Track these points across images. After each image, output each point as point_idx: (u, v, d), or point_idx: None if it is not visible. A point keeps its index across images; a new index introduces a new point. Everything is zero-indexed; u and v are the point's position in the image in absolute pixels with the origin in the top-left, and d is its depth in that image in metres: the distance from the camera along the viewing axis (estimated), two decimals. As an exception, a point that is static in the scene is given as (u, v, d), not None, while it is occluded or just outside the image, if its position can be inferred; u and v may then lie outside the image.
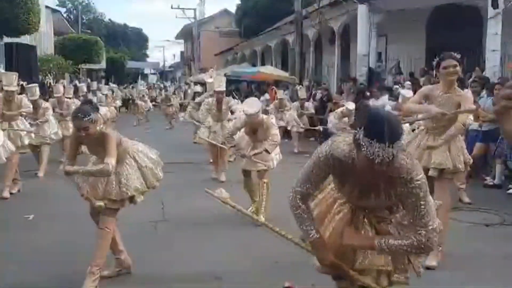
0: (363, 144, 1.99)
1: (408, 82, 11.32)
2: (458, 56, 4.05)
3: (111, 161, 3.45)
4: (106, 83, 29.07)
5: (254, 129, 5.40)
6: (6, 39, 16.15)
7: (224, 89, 7.81)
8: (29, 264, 4.17)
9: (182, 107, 21.02)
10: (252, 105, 5.36)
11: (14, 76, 7.13)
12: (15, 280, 3.87)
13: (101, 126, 3.58)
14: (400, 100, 8.21)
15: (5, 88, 6.95)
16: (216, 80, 7.91)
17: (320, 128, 11.56)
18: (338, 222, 2.48)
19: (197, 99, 10.73)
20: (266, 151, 5.34)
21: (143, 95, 20.52)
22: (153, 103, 22.67)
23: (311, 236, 2.39)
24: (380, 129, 1.97)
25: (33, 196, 6.67)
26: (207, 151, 9.15)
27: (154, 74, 60.76)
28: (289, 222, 5.20)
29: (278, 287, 3.66)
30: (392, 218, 2.41)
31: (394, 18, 14.11)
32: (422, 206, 2.17)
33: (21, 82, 10.32)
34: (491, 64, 11.26)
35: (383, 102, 10.82)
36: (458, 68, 3.95)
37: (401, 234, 2.32)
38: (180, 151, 11.07)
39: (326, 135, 12.18)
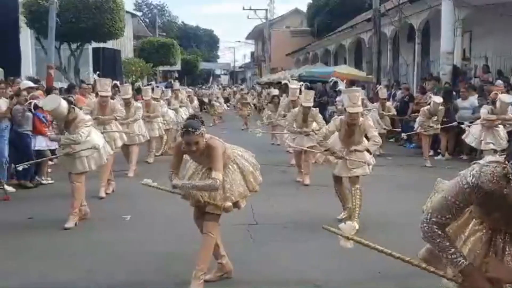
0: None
1: (500, 81, 10.68)
2: None
3: (219, 176, 3.49)
4: (181, 84, 29.91)
5: (351, 132, 5.26)
6: (94, 44, 17.03)
7: (312, 104, 7.70)
8: (126, 264, 4.32)
9: (257, 109, 21.25)
10: (353, 107, 5.12)
11: (108, 82, 7.46)
12: (125, 279, 4.02)
13: (207, 137, 3.62)
14: (498, 106, 7.74)
15: (100, 93, 7.29)
16: (306, 95, 7.77)
17: (404, 135, 11.03)
18: (475, 243, 2.29)
19: (280, 109, 10.61)
20: (368, 150, 5.20)
21: (218, 97, 20.90)
22: (227, 104, 23.05)
23: (459, 264, 2.15)
24: None
25: (127, 196, 6.94)
26: (289, 152, 9.13)
27: (225, 74, 61.83)
28: (387, 228, 5.12)
29: (383, 299, 3.55)
30: None
31: (481, 13, 13.38)
32: None
33: (115, 82, 10.78)
34: None
35: (472, 103, 10.28)
36: None
37: None
38: (258, 152, 10.91)
39: (409, 136, 11.80)
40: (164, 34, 42.13)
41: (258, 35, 45.27)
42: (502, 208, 2.09)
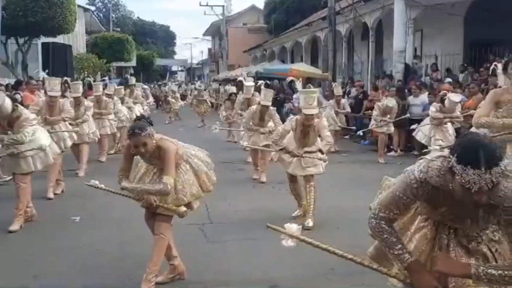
0: (457, 172, 1.86)
1: (449, 79, 11.02)
2: None
3: (169, 180, 3.40)
4: (136, 81, 29.32)
5: (305, 132, 5.28)
6: (43, 39, 16.42)
7: (270, 103, 7.68)
8: (77, 267, 4.18)
9: (214, 106, 21.08)
10: (308, 107, 5.15)
11: (57, 81, 7.21)
12: (74, 282, 3.87)
13: (157, 138, 3.52)
14: (447, 104, 7.96)
15: (49, 93, 7.01)
16: (266, 94, 7.71)
17: (360, 133, 11.23)
18: (420, 240, 2.31)
19: (236, 107, 10.57)
20: (320, 151, 5.23)
21: (174, 93, 20.59)
22: (184, 101, 22.77)
23: (405, 260, 2.15)
24: (474, 153, 1.83)
25: (77, 197, 6.70)
26: (246, 151, 9.08)
27: (182, 71, 61.22)
28: (341, 225, 5.17)
29: (337, 296, 3.56)
30: (483, 236, 2.25)
31: (431, 12, 13.77)
32: None
33: (65, 78, 10.43)
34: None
35: (423, 100, 10.57)
36: None
37: (501, 262, 2.14)
38: (215, 150, 10.92)
39: (363, 133, 12.01)
40: (119, 29, 41.19)
41: (215, 32, 45.01)
42: (448, 203, 2.12)
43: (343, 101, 11.63)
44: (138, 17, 61.29)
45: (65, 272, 4.09)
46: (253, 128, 7.71)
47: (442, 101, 8.13)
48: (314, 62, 23.89)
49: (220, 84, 25.52)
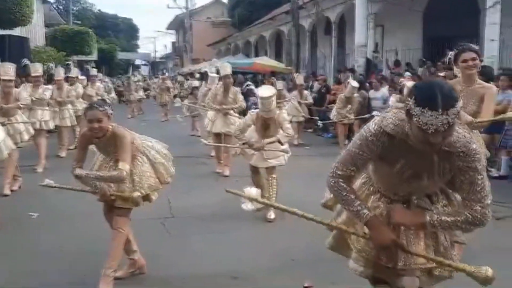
0: (415, 113, 1.89)
1: (408, 73, 11.28)
2: (477, 47, 3.97)
3: (125, 167, 3.36)
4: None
5: (266, 125, 5.31)
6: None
7: (230, 72, 7.69)
8: (36, 265, 4.08)
9: (177, 98, 20.85)
10: (267, 89, 5.32)
11: (11, 66, 6.98)
12: (30, 280, 3.77)
13: (113, 125, 3.48)
14: (405, 92, 8.14)
15: (3, 77, 6.78)
16: (222, 67, 7.79)
17: (320, 123, 11.44)
18: None
19: (199, 98, 10.57)
20: (280, 142, 5.28)
21: (137, 87, 20.28)
22: (146, 93, 22.48)
23: (364, 216, 2.19)
24: (431, 95, 1.87)
25: (35, 193, 6.50)
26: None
27: (145, 65, 60.30)
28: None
29: (297, 286, 3.61)
30: (434, 210, 2.29)
31: (391, 8, 14.04)
32: (479, 181, 2.08)
33: (25, 60, 10.16)
34: (489, 53, 11.24)
35: (383, 94, 10.78)
36: (477, 61, 3.85)
37: (452, 210, 2.25)
38: (178, 144, 10.90)
39: (325, 126, 12.16)
40: (79, 22, 40.15)
41: (179, 25, 44.54)
42: (405, 155, 2.14)
43: (305, 92, 11.78)
44: (99, 10, 59.90)
45: (23, 271, 3.98)
46: (215, 107, 7.67)
47: (400, 91, 8.31)
48: (278, 56, 24.01)
49: (185, 78, 25.29)
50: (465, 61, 3.83)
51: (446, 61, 5.83)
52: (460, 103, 1.91)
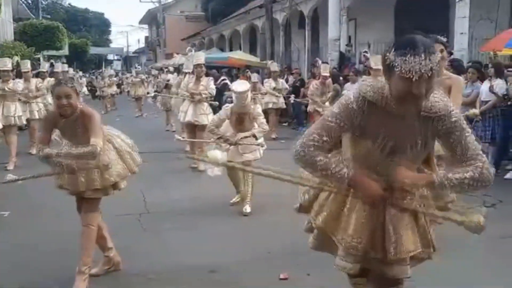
0: (397, 64, 1.87)
1: (379, 67, 11.43)
2: (445, 39, 4.05)
3: (98, 142, 3.24)
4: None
5: (241, 119, 5.31)
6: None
7: (204, 61, 7.69)
8: (10, 263, 4.01)
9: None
10: (242, 84, 5.36)
11: None
12: (2, 280, 3.71)
13: (81, 104, 3.41)
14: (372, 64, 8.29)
15: None
16: (195, 55, 7.79)
17: (292, 99, 11.65)
18: (358, 216, 2.23)
19: (173, 89, 10.55)
20: (254, 136, 5.30)
21: (111, 80, 20.02)
22: (120, 89, 22.26)
23: (346, 175, 2.06)
24: (412, 42, 1.87)
25: (5, 190, 6.39)
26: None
27: (118, 60, 59.45)
28: (278, 210, 5.26)
29: (273, 277, 3.64)
30: (416, 193, 2.21)
31: (364, 1, 14.16)
32: (468, 137, 2.04)
33: None
34: (459, 47, 11.47)
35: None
36: (444, 53, 3.93)
37: (458, 169, 2.07)
38: (153, 139, 10.88)
39: (299, 119, 12.24)
40: (49, 16, 39.32)
41: (151, 20, 44.00)
42: (386, 124, 2.07)
43: (280, 80, 11.91)
44: (69, 4, 58.77)
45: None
46: (187, 95, 7.67)
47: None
48: (252, 50, 23.98)
49: (159, 72, 25.06)
50: None
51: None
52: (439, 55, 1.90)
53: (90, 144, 3.23)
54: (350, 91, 2.43)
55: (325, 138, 2.10)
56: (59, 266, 3.88)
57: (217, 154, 2.34)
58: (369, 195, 2.12)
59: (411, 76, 1.84)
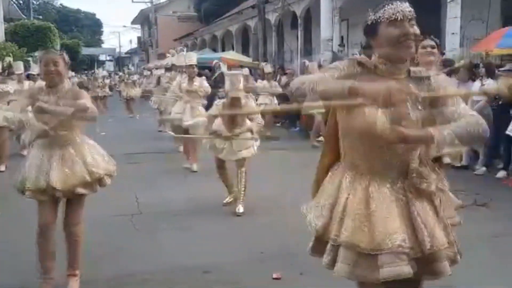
0: (379, 15, 2.02)
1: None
2: (437, 40, 4.09)
3: (91, 104, 3.23)
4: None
5: (233, 115, 5.31)
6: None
7: (196, 62, 7.69)
8: None
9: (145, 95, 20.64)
10: (235, 69, 5.36)
11: None
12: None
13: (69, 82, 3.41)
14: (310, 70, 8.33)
15: None
16: (187, 56, 7.79)
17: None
18: (385, 210, 2.02)
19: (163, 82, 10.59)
20: (251, 130, 5.30)
21: (103, 83, 19.98)
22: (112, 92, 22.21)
23: (347, 85, 1.90)
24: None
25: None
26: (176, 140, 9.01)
27: (110, 60, 59.18)
28: (272, 211, 5.27)
29: (266, 277, 3.64)
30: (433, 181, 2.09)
31: (356, 2, 14.20)
32: (458, 99, 2.07)
33: None
34: (450, 47, 11.53)
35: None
36: (435, 50, 3.97)
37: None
38: (146, 139, 10.87)
39: (291, 120, 12.26)
40: (40, 17, 39.11)
41: (144, 20, 43.88)
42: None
43: (274, 82, 11.90)
44: (61, 4, 58.47)
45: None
46: (180, 94, 7.67)
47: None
48: (245, 50, 23.97)
49: (151, 73, 25.02)
50: (424, 47, 3.94)
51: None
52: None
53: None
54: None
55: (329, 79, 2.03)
56: (20, 269, 3.80)
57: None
58: (378, 92, 1.87)
59: (397, 17, 1.98)
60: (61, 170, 3.28)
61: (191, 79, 7.70)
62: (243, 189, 5.39)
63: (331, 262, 2.10)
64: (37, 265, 3.44)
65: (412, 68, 2.10)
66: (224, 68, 7.25)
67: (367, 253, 1.98)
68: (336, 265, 2.06)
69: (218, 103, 5.44)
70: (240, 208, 5.32)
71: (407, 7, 2.01)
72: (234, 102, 5.17)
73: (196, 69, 7.81)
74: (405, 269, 1.95)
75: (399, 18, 1.98)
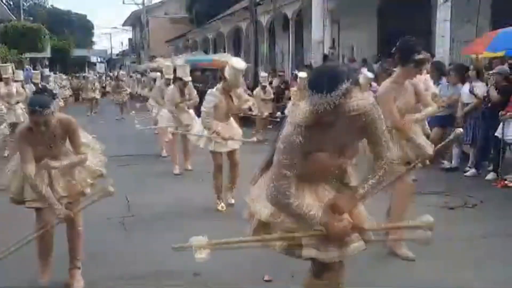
0: (308, 95, 2.11)
1: (365, 69, 11.51)
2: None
3: (85, 154, 3.40)
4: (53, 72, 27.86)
5: (228, 101, 5.41)
6: None
7: (190, 79, 7.65)
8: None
9: (134, 97, 20.58)
10: (241, 61, 5.50)
11: None
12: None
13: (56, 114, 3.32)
14: (361, 80, 8.30)
15: None
16: (180, 69, 7.73)
17: (279, 114, 11.72)
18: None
19: (154, 91, 10.45)
20: (250, 109, 5.46)
21: (94, 84, 19.88)
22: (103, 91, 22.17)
23: (316, 217, 2.26)
24: (317, 80, 2.11)
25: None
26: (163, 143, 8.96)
27: (101, 62, 58.92)
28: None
29: (257, 279, 3.64)
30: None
31: (347, 4, 14.27)
32: (383, 128, 2.32)
33: None
34: (440, 49, 11.62)
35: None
36: (429, 58, 4.02)
37: (370, 173, 2.41)
38: (137, 142, 10.82)
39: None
40: (31, 18, 38.85)
41: (135, 22, 43.73)
42: (327, 134, 2.25)
43: (268, 88, 11.92)
44: (52, 6, 58.15)
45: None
46: (174, 110, 7.57)
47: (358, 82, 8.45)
48: (237, 53, 23.95)
49: (142, 75, 24.96)
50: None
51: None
52: (347, 84, 2.07)
53: (80, 154, 3.39)
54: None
55: (288, 174, 2.26)
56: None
57: (201, 239, 2.50)
58: (341, 235, 2.31)
59: (317, 109, 2.08)
60: (53, 188, 3.35)
61: (182, 90, 7.60)
62: (236, 181, 5.56)
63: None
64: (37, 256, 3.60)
65: (352, 106, 2.17)
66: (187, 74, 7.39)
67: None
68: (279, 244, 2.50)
69: (210, 93, 5.46)
70: (231, 200, 5.57)
71: (327, 102, 2.06)
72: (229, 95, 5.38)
73: (190, 84, 7.72)
74: (360, 244, 2.40)
75: (319, 112, 2.10)
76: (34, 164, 3.23)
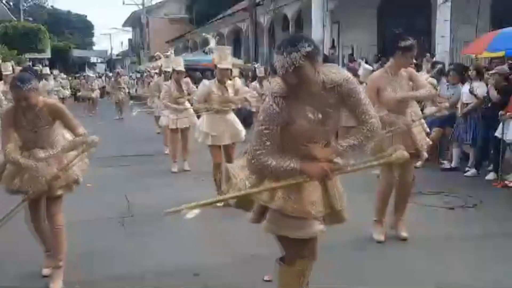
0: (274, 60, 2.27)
1: (363, 62, 11.53)
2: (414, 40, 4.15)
3: (83, 130, 3.34)
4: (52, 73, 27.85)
5: (223, 90, 5.38)
6: None
7: (183, 69, 7.66)
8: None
9: (133, 98, 20.56)
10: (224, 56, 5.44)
11: None
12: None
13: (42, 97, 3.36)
14: (360, 72, 8.29)
15: None
16: (175, 61, 7.76)
17: None
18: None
19: (151, 86, 10.51)
20: (246, 100, 5.43)
21: (93, 84, 19.90)
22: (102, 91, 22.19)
23: (295, 166, 2.36)
24: (279, 45, 2.26)
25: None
26: (167, 141, 8.96)
27: (101, 63, 58.90)
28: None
29: (257, 279, 3.64)
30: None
31: (347, 5, 14.28)
32: (364, 99, 2.42)
33: None
34: (440, 49, 11.63)
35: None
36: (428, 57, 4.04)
37: (351, 135, 2.50)
38: (136, 142, 10.82)
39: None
40: (31, 18, 38.85)
41: (135, 22, 43.71)
42: (305, 104, 2.36)
43: (265, 82, 11.88)
44: (52, 6, 58.16)
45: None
46: (172, 106, 7.54)
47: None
48: (236, 53, 23.95)
49: (141, 75, 24.98)
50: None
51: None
52: (307, 48, 2.19)
53: (80, 134, 3.35)
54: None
55: (267, 143, 2.37)
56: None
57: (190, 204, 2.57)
58: (318, 173, 2.41)
59: (279, 70, 2.23)
60: (36, 178, 3.32)
61: (178, 83, 7.59)
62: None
63: (256, 217, 2.70)
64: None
65: (327, 79, 2.33)
66: (212, 43, 7.38)
67: (294, 216, 2.48)
68: (264, 223, 2.66)
69: (204, 83, 5.50)
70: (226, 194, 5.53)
71: (287, 62, 2.18)
72: (224, 74, 5.30)
73: (183, 75, 7.71)
74: (320, 227, 2.57)
75: (280, 72, 2.25)
76: (14, 144, 3.28)
